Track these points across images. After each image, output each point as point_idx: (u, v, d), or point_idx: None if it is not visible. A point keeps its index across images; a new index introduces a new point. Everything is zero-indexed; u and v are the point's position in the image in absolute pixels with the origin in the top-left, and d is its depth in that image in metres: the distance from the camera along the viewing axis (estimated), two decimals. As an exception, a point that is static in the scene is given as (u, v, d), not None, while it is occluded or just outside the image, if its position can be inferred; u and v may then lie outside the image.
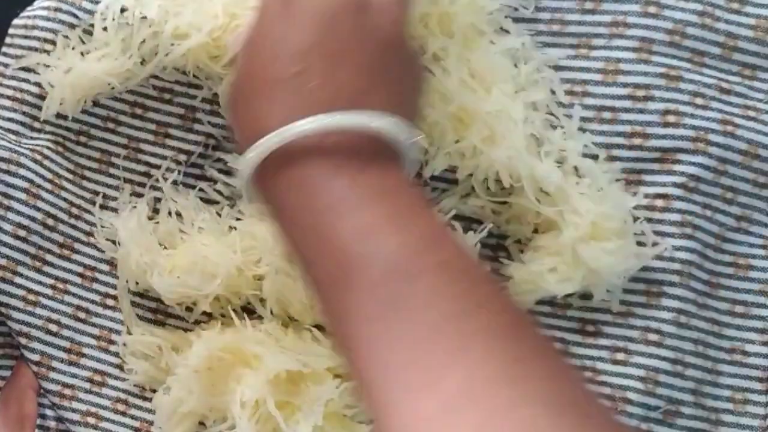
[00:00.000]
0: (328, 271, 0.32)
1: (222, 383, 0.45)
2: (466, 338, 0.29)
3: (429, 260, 0.31)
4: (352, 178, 0.33)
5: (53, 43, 0.49)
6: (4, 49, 0.50)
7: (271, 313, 0.47)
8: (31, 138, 0.50)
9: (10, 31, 0.50)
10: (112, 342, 0.50)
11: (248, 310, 0.48)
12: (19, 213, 0.48)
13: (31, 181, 0.49)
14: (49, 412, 0.49)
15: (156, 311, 0.50)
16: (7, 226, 0.48)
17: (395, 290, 0.30)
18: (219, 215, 0.49)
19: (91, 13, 0.48)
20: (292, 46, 0.35)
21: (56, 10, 0.49)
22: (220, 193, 0.50)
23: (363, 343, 0.31)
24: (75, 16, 0.49)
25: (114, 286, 0.50)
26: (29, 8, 0.50)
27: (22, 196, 0.48)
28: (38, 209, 0.49)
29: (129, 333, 0.49)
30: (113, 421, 0.49)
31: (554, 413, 0.27)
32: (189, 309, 0.49)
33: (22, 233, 0.48)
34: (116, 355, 0.50)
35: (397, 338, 0.30)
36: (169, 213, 0.49)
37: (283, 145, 0.33)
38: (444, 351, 0.29)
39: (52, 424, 0.49)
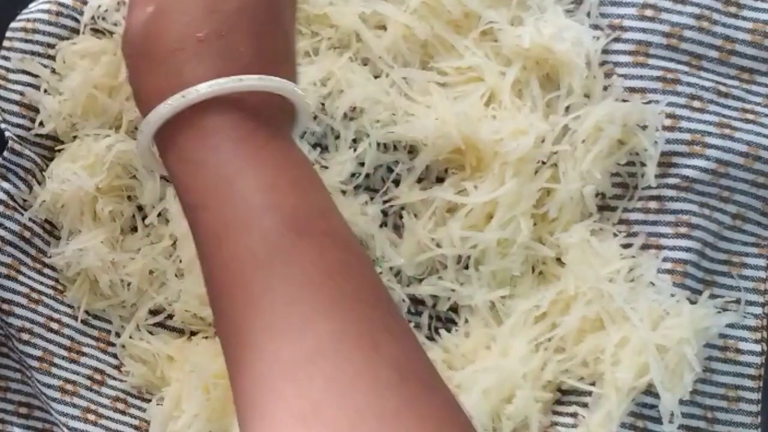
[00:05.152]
0: (223, 216, 0.33)
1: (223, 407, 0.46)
2: (340, 297, 0.31)
3: (319, 225, 0.33)
4: (261, 143, 0.34)
5: (54, 47, 0.49)
6: (3, 52, 0.49)
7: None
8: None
9: (8, 34, 0.49)
10: (111, 344, 0.50)
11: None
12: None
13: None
14: (17, 430, 0.50)
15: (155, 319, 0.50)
16: (14, 226, 0.48)
17: (286, 241, 0.32)
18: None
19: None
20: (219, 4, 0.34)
21: (57, 14, 0.49)
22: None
23: (244, 288, 0.32)
24: (76, 20, 0.49)
25: (113, 289, 0.50)
26: (26, 10, 0.49)
27: None
28: None
29: (129, 337, 0.50)
30: (113, 419, 0.49)
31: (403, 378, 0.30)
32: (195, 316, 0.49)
33: (26, 234, 0.49)
34: (115, 356, 0.50)
35: (279, 285, 0.32)
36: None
37: (197, 102, 0.33)
38: (319, 304, 0.31)
39: None
